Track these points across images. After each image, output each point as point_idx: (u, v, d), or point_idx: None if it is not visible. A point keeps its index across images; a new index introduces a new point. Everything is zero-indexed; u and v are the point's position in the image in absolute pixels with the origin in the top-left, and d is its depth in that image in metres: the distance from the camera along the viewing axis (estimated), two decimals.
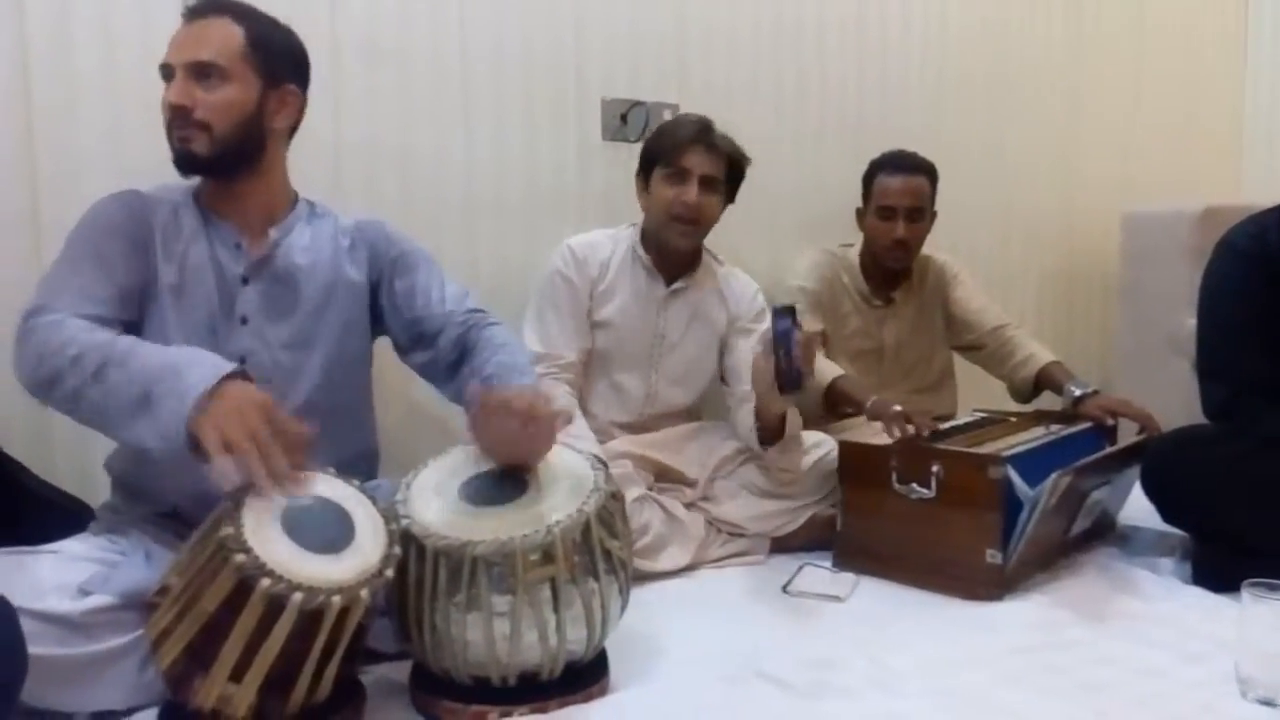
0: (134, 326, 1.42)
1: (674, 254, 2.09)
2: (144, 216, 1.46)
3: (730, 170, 2.05)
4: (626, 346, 2.08)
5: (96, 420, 1.28)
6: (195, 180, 1.52)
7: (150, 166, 1.79)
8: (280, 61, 1.51)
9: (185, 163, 1.47)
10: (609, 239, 2.12)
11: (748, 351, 2.04)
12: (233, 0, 1.50)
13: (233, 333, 1.49)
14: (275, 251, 1.53)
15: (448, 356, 1.59)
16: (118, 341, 1.28)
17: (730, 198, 2.11)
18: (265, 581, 1.11)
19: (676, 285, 2.11)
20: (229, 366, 1.24)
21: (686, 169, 1.99)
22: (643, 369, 2.10)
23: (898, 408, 1.99)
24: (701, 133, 2.01)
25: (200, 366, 1.23)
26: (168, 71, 1.46)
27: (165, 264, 1.46)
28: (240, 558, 1.12)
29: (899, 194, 2.30)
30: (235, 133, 1.46)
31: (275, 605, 1.12)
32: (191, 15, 1.47)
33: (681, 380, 2.15)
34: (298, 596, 1.11)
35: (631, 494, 1.87)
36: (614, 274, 2.08)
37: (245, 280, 1.50)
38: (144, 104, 1.62)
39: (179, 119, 1.44)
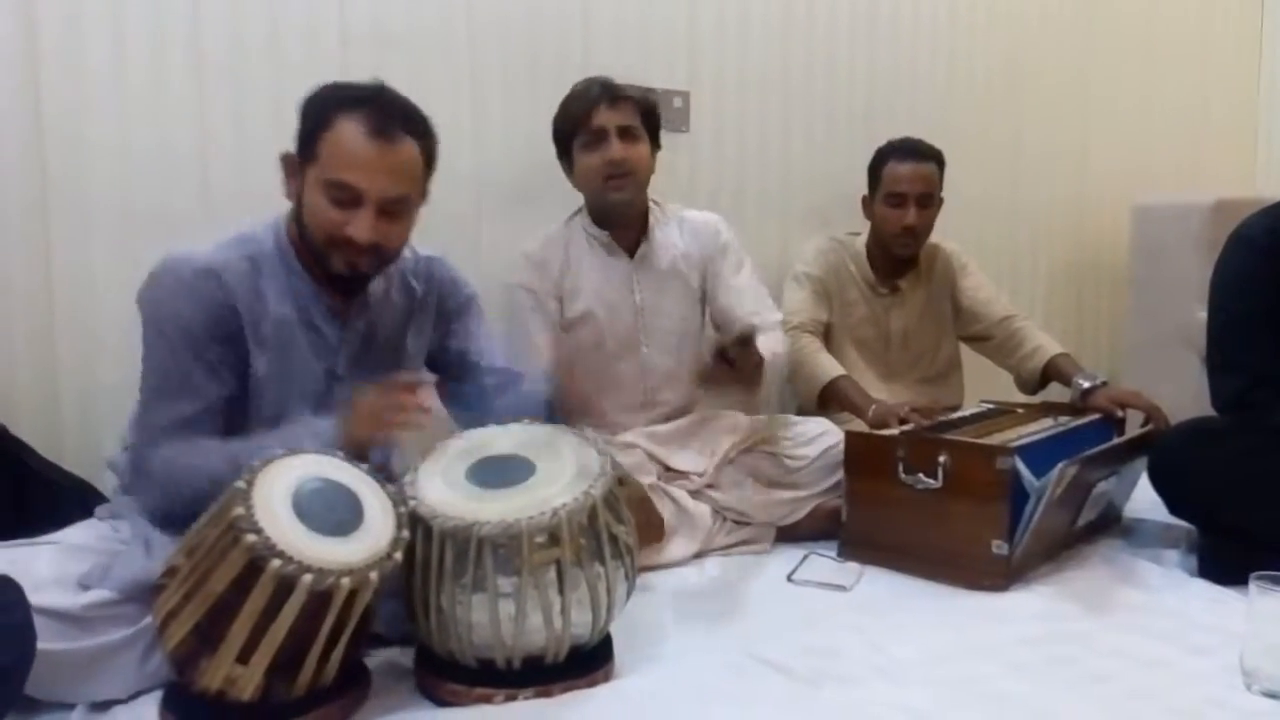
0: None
1: (623, 218, 2.03)
2: (225, 302, 1.39)
3: (645, 117, 1.99)
4: (611, 331, 2.04)
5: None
6: (271, 222, 1.48)
7: (158, 160, 1.82)
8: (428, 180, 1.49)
9: (349, 285, 1.45)
10: (559, 233, 2.08)
11: (724, 290, 2.06)
12: (416, 114, 1.44)
13: (330, 390, 1.50)
14: (370, 318, 1.53)
15: (463, 396, 1.63)
16: (240, 450, 1.32)
17: (655, 143, 2.03)
18: (276, 562, 1.11)
19: (639, 253, 2.06)
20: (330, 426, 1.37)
21: (601, 128, 1.94)
22: (632, 348, 2.06)
23: (904, 409, 1.99)
24: (602, 90, 1.96)
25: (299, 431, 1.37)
26: (349, 195, 1.36)
27: (257, 351, 1.43)
28: (251, 538, 1.12)
29: (909, 180, 2.29)
30: (391, 257, 1.47)
31: (285, 586, 1.12)
32: (387, 137, 1.37)
33: (671, 349, 2.09)
34: (308, 578, 1.12)
35: (644, 482, 1.88)
36: (576, 264, 2.03)
37: (343, 342, 1.51)
38: (153, 97, 1.64)
39: (357, 251, 1.38)
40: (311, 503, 1.21)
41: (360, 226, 1.36)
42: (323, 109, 1.38)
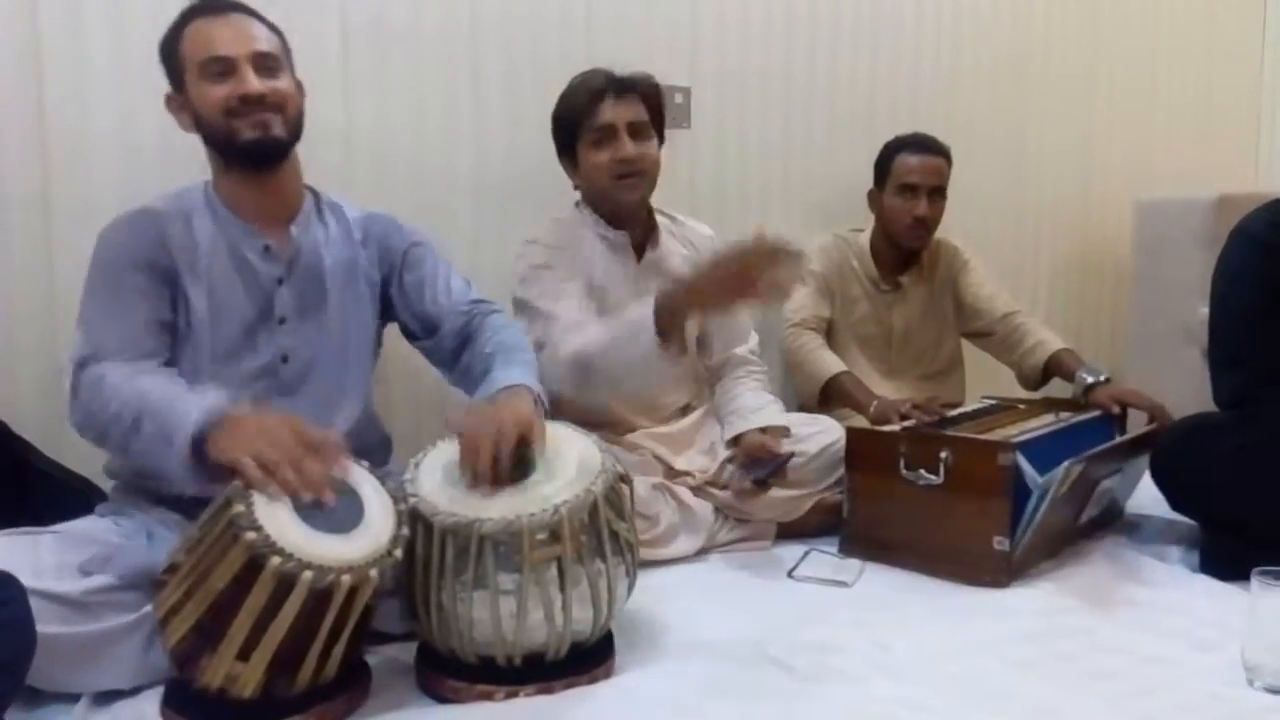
0: (176, 346, 1.47)
1: (632, 218, 1.99)
2: (161, 240, 1.47)
3: (652, 110, 1.95)
4: None
5: (148, 466, 1.35)
6: (200, 183, 1.55)
7: (160, 151, 1.82)
8: (292, 58, 1.58)
9: (268, 148, 1.49)
10: (568, 221, 2.00)
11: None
12: (247, 5, 1.55)
13: (273, 334, 1.52)
14: (300, 250, 1.55)
15: (449, 344, 1.64)
16: (147, 395, 1.32)
17: (660, 136, 1.99)
18: (275, 560, 1.11)
19: (647, 257, 2.02)
20: (221, 402, 1.28)
21: (609, 124, 1.89)
22: None
23: (905, 405, 1.99)
24: (607, 82, 1.90)
25: (187, 401, 1.29)
26: (225, 65, 1.45)
27: (193, 285, 1.47)
28: (251, 535, 1.12)
29: (921, 171, 2.30)
30: (295, 119, 1.53)
31: (285, 583, 1.12)
32: (218, 11, 1.49)
33: None
34: (308, 575, 1.12)
35: (650, 480, 1.88)
36: (586, 257, 1.96)
37: (280, 281, 1.53)
38: (154, 89, 1.62)
39: (257, 106, 1.46)
40: (311, 500, 1.21)
41: (244, 81, 1.45)
42: (170, 37, 1.50)
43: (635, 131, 1.91)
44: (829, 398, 2.23)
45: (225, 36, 1.47)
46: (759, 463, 1.85)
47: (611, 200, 1.96)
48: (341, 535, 1.20)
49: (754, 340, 2.14)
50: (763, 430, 1.91)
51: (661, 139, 2.01)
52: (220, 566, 1.14)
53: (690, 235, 2.10)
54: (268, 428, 1.24)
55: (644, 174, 1.94)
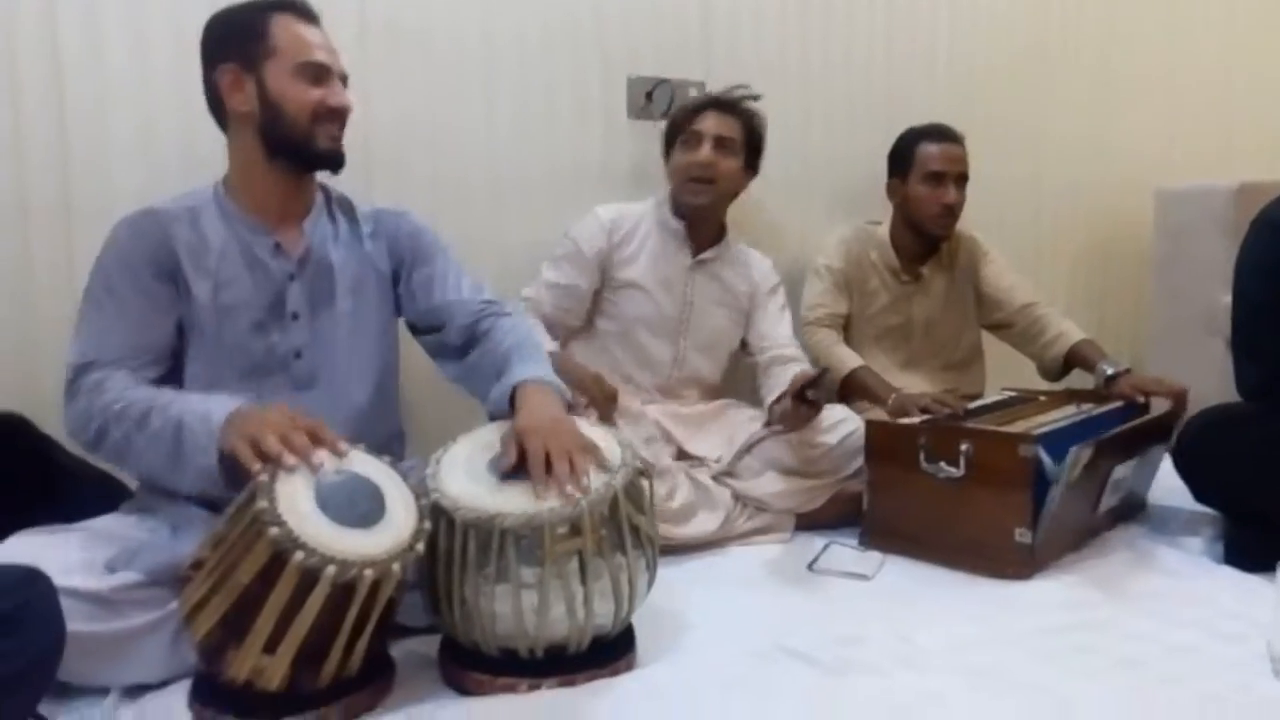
0: (177, 352, 1.48)
1: (699, 221, 2.13)
2: (164, 240, 1.47)
3: (748, 134, 2.11)
4: (656, 310, 2.12)
5: (144, 467, 1.38)
6: (207, 185, 1.56)
7: (181, 158, 1.83)
8: None
9: (338, 159, 1.55)
10: (641, 207, 2.16)
11: (771, 319, 2.18)
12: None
13: (286, 330, 1.53)
14: (311, 247, 1.56)
15: (455, 341, 1.65)
16: (157, 395, 1.37)
17: (752, 166, 2.14)
18: (299, 555, 1.12)
19: (704, 255, 2.15)
20: (237, 401, 1.33)
21: (699, 131, 2.06)
22: (671, 334, 2.14)
23: (925, 399, 1.99)
24: (714, 99, 2.10)
25: (219, 400, 1.34)
26: (321, 72, 1.50)
27: (199, 282, 1.48)
28: (275, 531, 1.13)
29: (948, 159, 2.30)
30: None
31: (309, 578, 1.13)
32: (309, 17, 1.52)
33: (708, 349, 2.18)
34: (331, 569, 1.13)
35: (662, 459, 1.94)
36: (640, 238, 2.12)
37: (292, 278, 1.54)
38: (174, 99, 1.66)
39: (338, 120, 1.53)
40: (334, 495, 1.22)
41: (339, 95, 1.52)
42: (250, 17, 1.49)
43: (720, 144, 2.07)
44: (848, 393, 2.22)
45: (321, 44, 1.51)
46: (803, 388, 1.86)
47: (680, 201, 2.12)
48: (364, 529, 1.21)
49: (796, 344, 2.20)
50: None
51: (754, 169, 2.16)
52: (246, 561, 1.16)
53: (749, 260, 2.24)
54: (268, 418, 1.28)
55: (714, 182, 2.07)
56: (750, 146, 2.12)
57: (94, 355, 1.41)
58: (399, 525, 1.24)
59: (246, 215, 1.53)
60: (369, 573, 1.16)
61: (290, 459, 1.22)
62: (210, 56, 1.51)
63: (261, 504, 1.16)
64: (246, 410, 1.31)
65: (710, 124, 2.06)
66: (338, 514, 1.20)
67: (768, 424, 2.03)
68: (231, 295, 1.49)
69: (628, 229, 2.11)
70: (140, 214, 1.49)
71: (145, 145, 1.84)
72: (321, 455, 1.26)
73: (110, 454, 1.41)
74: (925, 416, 1.95)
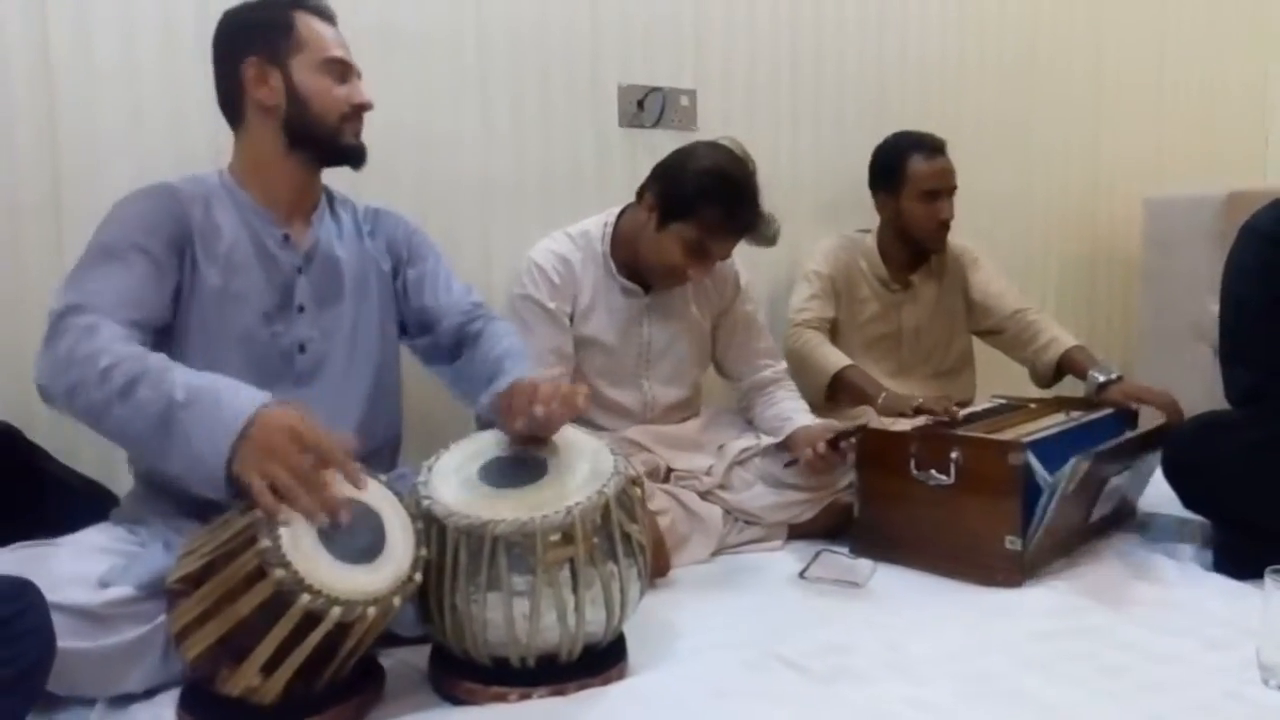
0: (168, 329, 1.42)
1: (659, 286, 2.02)
2: (181, 214, 1.44)
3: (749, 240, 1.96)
4: (614, 364, 2.03)
5: (117, 437, 1.26)
6: (217, 170, 1.54)
7: (171, 157, 1.82)
8: None
9: (361, 155, 1.57)
10: (574, 249, 2.00)
11: (741, 338, 2.13)
12: None
13: (291, 323, 1.52)
14: (318, 242, 1.56)
15: (445, 343, 1.66)
16: (149, 358, 1.24)
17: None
18: (305, 597, 1.11)
19: (656, 291, 2.03)
20: (263, 397, 1.21)
21: (710, 251, 1.90)
22: (633, 381, 2.06)
23: (916, 401, 1.99)
24: (748, 229, 1.91)
25: (235, 396, 1.20)
26: (346, 70, 1.53)
27: (208, 265, 1.45)
28: (280, 573, 1.11)
29: (942, 175, 2.31)
30: None
31: (313, 618, 1.13)
32: (329, 18, 1.55)
33: (674, 379, 2.10)
34: (336, 610, 1.12)
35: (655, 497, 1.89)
36: (590, 292, 1.98)
37: (300, 270, 1.53)
38: (164, 95, 1.65)
39: (361, 117, 1.56)
40: (336, 529, 1.19)
41: (362, 92, 1.56)
42: (276, 14, 1.50)
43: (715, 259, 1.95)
44: (836, 392, 2.22)
45: (341, 45, 1.54)
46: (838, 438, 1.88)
47: (644, 274, 1.99)
48: (367, 565, 1.20)
49: (782, 364, 2.18)
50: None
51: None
52: (246, 595, 1.14)
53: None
54: (279, 447, 1.16)
55: (698, 285, 2.04)
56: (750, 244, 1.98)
57: (84, 299, 1.29)
58: (399, 557, 1.23)
59: (255, 205, 1.52)
60: (372, 610, 1.15)
61: (320, 519, 1.16)
62: (232, 49, 1.50)
63: (265, 543, 1.13)
64: (267, 430, 1.17)
65: (726, 249, 1.93)
66: (340, 549, 1.18)
67: (789, 464, 1.96)
68: (241, 284, 1.48)
69: (575, 281, 1.97)
70: (156, 185, 1.47)
71: (136, 146, 1.82)
72: (335, 497, 1.19)
73: (80, 413, 1.24)
74: (920, 417, 1.95)
